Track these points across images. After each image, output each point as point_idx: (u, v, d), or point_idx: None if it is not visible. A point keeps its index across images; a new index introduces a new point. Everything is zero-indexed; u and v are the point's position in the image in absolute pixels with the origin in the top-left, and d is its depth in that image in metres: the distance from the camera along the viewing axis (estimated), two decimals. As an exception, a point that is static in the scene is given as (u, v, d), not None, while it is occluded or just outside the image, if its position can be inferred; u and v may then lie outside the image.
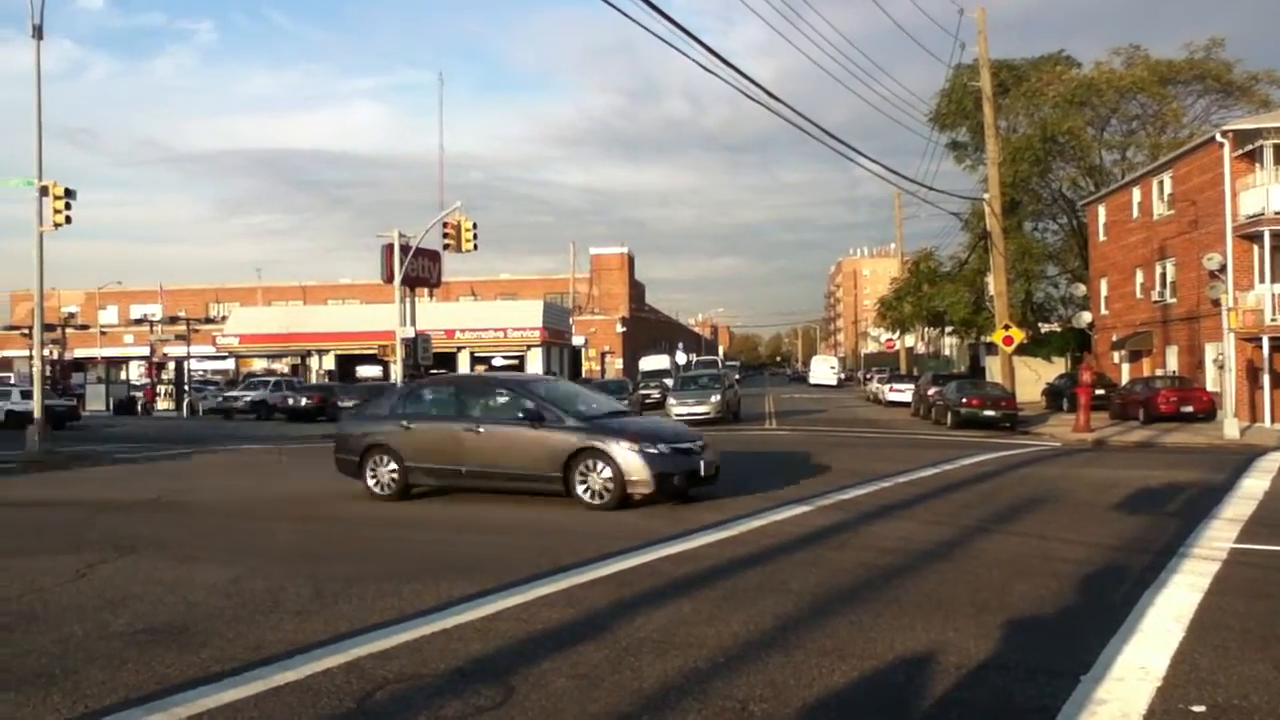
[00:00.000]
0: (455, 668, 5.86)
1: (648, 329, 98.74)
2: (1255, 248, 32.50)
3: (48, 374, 41.41)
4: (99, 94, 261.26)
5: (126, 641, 6.54)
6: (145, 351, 69.16)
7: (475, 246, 34.51)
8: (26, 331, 55.03)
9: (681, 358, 74.54)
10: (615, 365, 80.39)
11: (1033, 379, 46.17)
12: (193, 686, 5.54)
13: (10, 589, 8.29)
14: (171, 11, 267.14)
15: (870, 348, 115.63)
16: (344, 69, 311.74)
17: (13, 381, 56.22)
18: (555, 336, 69.38)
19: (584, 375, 72.98)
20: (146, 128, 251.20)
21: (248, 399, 46.89)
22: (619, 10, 14.06)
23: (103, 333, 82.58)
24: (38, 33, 25.09)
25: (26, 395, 35.37)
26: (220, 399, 49.71)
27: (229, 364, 68.26)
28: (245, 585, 8.33)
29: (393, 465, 14.05)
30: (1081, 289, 49.52)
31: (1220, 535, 10.33)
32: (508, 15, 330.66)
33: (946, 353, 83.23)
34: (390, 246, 33.74)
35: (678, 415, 34.55)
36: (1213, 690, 5.36)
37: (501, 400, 13.93)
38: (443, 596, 7.63)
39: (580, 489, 12.81)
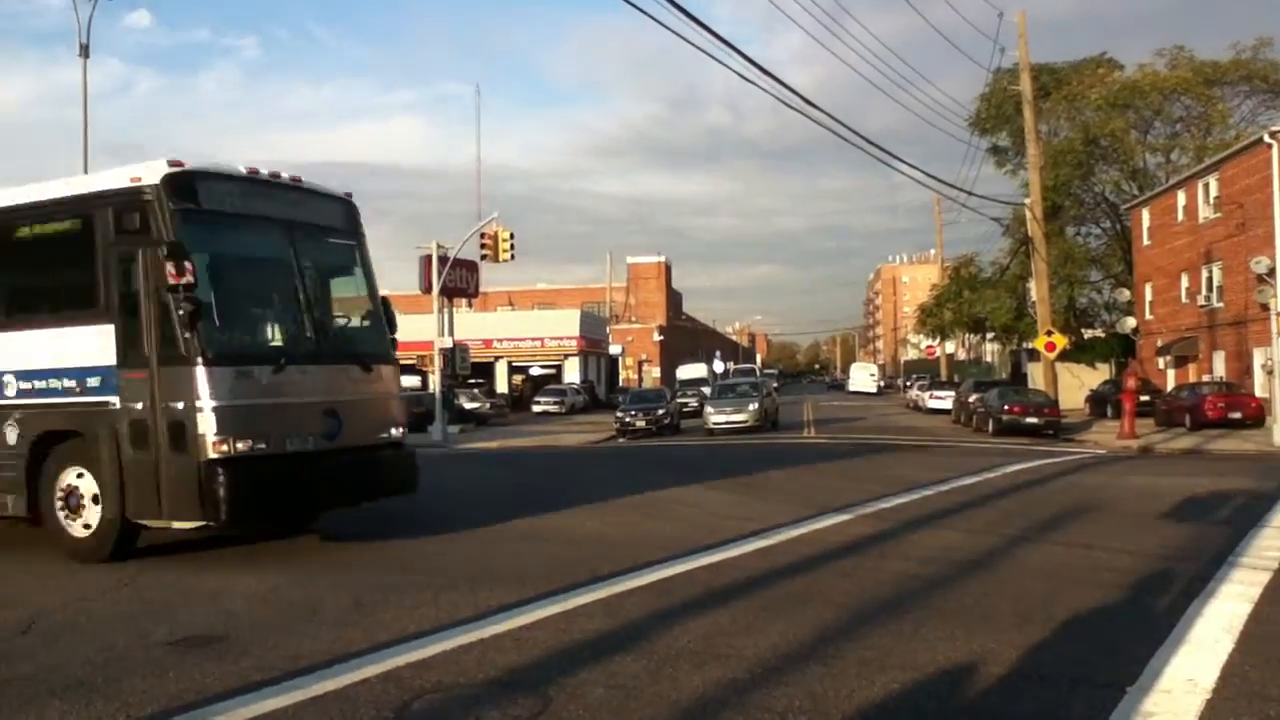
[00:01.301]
0: (493, 678, 5.86)
1: (685, 337, 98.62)
2: (1305, 250, 31.84)
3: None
4: (145, 110, 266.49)
5: (167, 651, 6.60)
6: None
7: (512, 256, 34.73)
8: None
9: (719, 366, 74.33)
10: (653, 374, 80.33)
11: (1076, 385, 45.51)
12: (232, 696, 5.58)
13: (55, 598, 8.41)
14: (216, 28, 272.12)
15: (910, 355, 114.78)
16: (385, 83, 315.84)
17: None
18: (592, 345, 69.57)
19: (621, 384, 73.06)
20: (191, 142, 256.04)
21: None
22: (661, 24, 14.07)
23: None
24: (84, 51, 25.62)
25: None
26: None
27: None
28: (284, 594, 8.39)
29: None
30: (1126, 294, 48.78)
31: (1271, 544, 10.09)
32: (550, 27, 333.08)
33: (988, 359, 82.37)
34: (428, 257, 34.00)
35: (715, 423, 34.46)
36: (1264, 704, 5.23)
37: None
38: (480, 606, 7.64)
39: None
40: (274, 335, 10.66)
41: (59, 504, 10.05)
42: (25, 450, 10.16)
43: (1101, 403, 40.10)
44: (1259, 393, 32.76)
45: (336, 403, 10.40)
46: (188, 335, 9.18)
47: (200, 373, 9.17)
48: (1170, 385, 40.27)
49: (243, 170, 10.44)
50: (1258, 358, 33.61)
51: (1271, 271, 31.08)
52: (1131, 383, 29.59)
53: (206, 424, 9.14)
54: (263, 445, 9.49)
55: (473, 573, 9.18)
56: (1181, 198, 41.28)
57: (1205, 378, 37.82)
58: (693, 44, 20.19)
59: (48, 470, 10.11)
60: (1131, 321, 46.69)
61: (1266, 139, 32.93)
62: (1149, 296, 45.79)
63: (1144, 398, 33.76)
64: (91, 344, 9.72)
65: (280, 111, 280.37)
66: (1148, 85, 47.96)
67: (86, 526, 9.88)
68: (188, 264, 9.06)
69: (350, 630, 7.03)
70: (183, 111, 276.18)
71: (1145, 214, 45.85)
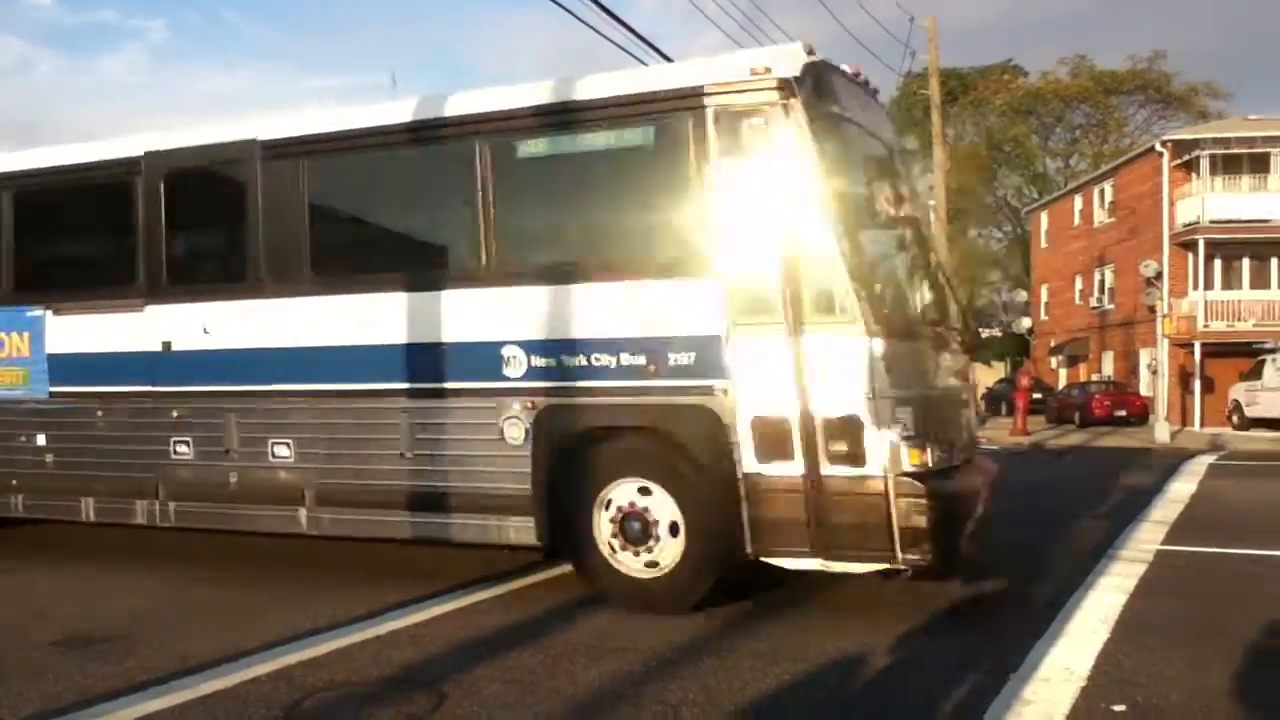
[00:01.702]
0: (387, 675, 5.81)
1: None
2: (1190, 255, 33.33)
3: None
4: (45, 90, 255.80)
5: (46, 651, 6.37)
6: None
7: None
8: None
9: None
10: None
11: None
12: (115, 697, 5.43)
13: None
14: (123, 10, 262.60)
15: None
16: (302, 68, 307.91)
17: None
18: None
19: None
20: (96, 124, 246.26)
21: None
22: (583, 21, 14.07)
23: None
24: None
25: None
26: None
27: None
28: (175, 592, 8.18)
29: None
30: (1022, 295, 50.45)
31: (1148, 537, 10.54)
32: (472, 19, 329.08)
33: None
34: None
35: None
36: (1134, 690, 5.47)
37: None
38: (377, 603, 7.53)
39: None
40: (907, 299, 7.88)
41: (608, 532, 7.27)
42: (544, 454, 7.38)
43: (996, 400, 41.34)
44: (1144, 391, 34.19)
45: (958, 396, 7.96)
46: (854, 291, 6.45)
47: (875, 348, 6.41)
48: (1062, 384, 41.73)
49: (848, 69, 7.61)
50: (1144, 358, 35.06)
51: (1159, 275, 32.44)
52: (1025, 381, 30.60)
53: (893, 422, 6.46)
54: (942, 454, 6.83)
55: (370, 570, 9.06)
56: (1078, 202, 42.79)
57: (1095, 377, 39.31)
58: (613, 41, 20.14)
59: (584, 482, 7.36)
60: (1027, 322, 48.26)
61: (1158, 147, 34.36)
62: (1045, 298, 47.36)
63: (1037, 396, 34.95)
64: (676, 303, 6.95)
65: (192, 95, 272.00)
66: (1050, 93, 49.65)
67: (655, 564, 7.13)
68: (905, 191, 6.77)
69: (242, 628, 6.88)
70: (87, 92, 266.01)
71: (1044, 217, 47.40)
